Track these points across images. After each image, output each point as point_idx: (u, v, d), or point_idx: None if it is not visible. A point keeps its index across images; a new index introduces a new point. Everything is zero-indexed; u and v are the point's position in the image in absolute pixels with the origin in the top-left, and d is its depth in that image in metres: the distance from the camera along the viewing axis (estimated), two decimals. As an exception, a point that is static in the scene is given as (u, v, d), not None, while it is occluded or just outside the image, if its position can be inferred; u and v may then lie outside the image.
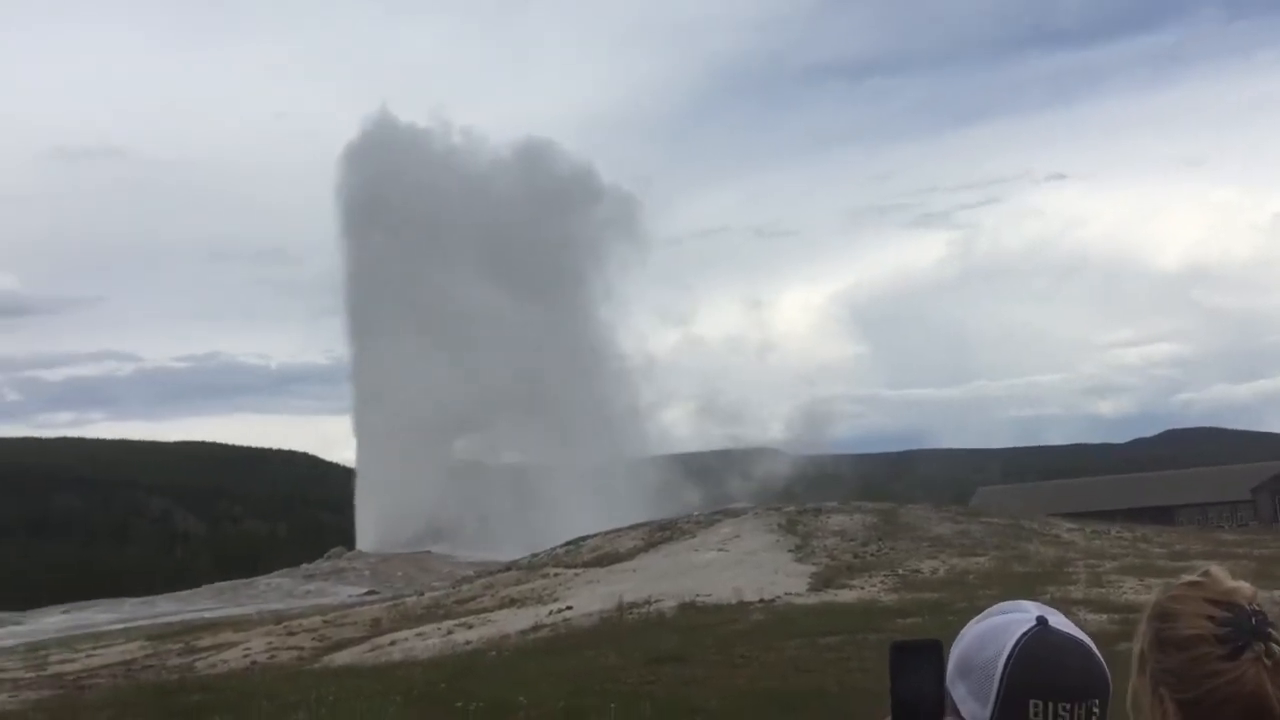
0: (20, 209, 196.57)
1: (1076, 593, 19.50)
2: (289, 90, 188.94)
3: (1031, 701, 1.52)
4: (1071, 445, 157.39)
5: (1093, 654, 1.56)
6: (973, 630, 1.62)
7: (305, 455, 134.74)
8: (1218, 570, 1.64)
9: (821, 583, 23.55)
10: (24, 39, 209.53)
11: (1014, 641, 1.55)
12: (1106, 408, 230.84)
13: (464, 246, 70.99)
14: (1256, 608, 1.57)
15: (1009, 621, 1.59)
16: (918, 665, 1.64)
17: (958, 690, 1.59)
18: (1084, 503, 58.22)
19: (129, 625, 34.85)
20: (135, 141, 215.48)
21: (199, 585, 51.11)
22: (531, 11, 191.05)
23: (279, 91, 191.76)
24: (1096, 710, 1.53)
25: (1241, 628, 1.54)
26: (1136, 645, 1.65)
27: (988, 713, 1.55)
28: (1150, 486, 68.60)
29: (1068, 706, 1.52)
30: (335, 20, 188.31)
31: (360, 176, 72.59)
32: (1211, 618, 1.56)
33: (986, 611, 1.64)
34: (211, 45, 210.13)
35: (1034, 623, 1.57)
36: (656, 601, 21.55)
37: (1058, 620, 1.59)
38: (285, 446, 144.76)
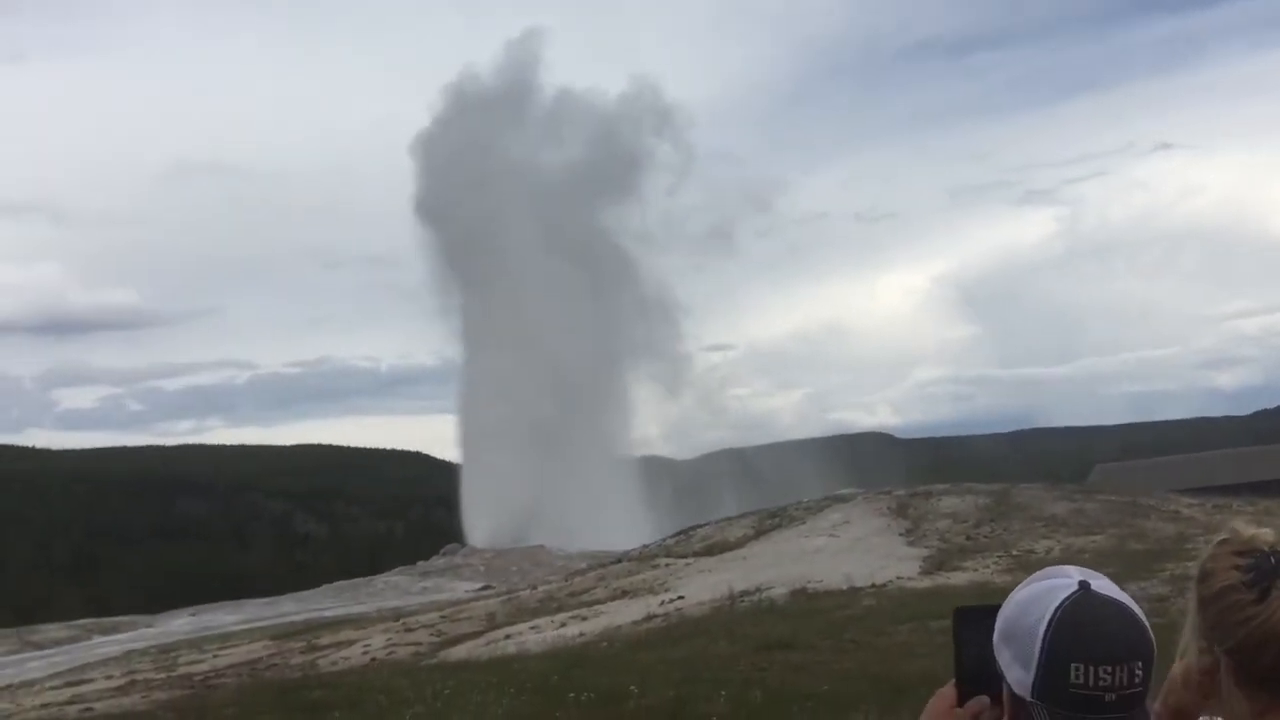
0: (138, 226, 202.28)
1: (1196, 569, 19.03)
2: (392, 96, 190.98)
3: (1073, 665, 1.54)
4: (1192, 419, 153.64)
5: (1135, 617, 1.57)
6: (1016, 596, 1.64)
7: (417, 454, 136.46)
8: (1240, 523, 1.73)
9: (933, 566, 23.33)
10: (137, 59, 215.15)
11: (1055, 606, 1.57)
12: (1226, 380, 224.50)
13: (559, 237, 70.70)
14: (1277, 549, 1.65)
15: (1051, 587, 1.61)
16: (982, 630, 1.67)
17: (1003, 655, 1.62)
18: (1206, 477, 56.64)
19: (253, 626, 35.71)
20: (246, 155, 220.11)
21: (319, 585, 52.16)
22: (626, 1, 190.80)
23: (383, 97, 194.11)
24: (1140, 672, 1.54)
25: (1264, 570, 1.62)
26: (1188, 612, 1.71)
27: (1031, 677, 1.57)
28: (1275, 458, 66.58)
29: (1109, 669, 1.52)
30: (434, 21, 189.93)
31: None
32: (1237, 567, 1.64)
33: (1030, 578, 1.67)
34: (315, 55, 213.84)
35: (1075, 587, 1.59)
36: (767, 589, 21.52)
37: (1101, 584, 1.60)
38: (398, 446, 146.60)
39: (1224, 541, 1.73)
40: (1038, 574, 1.66)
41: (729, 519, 36.75)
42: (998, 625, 1.64)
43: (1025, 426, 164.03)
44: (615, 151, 74.70)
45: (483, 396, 67.83)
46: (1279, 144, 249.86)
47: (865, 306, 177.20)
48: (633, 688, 12.10)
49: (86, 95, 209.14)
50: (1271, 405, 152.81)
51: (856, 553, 25.75)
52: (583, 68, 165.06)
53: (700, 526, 36.56)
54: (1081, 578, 1.60)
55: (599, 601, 24.88)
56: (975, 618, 1.69)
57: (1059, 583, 1.61)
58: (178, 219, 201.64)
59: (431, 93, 73.63)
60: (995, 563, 22.85)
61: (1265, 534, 1.70)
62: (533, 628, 21.80)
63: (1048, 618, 1.56)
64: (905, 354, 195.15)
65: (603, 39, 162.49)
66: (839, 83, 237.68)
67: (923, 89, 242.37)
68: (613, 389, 72.87)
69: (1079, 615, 1.56)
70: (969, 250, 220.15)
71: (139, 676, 22.63)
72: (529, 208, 70.19)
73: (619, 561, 33.09)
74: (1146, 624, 1.57)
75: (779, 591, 21.08)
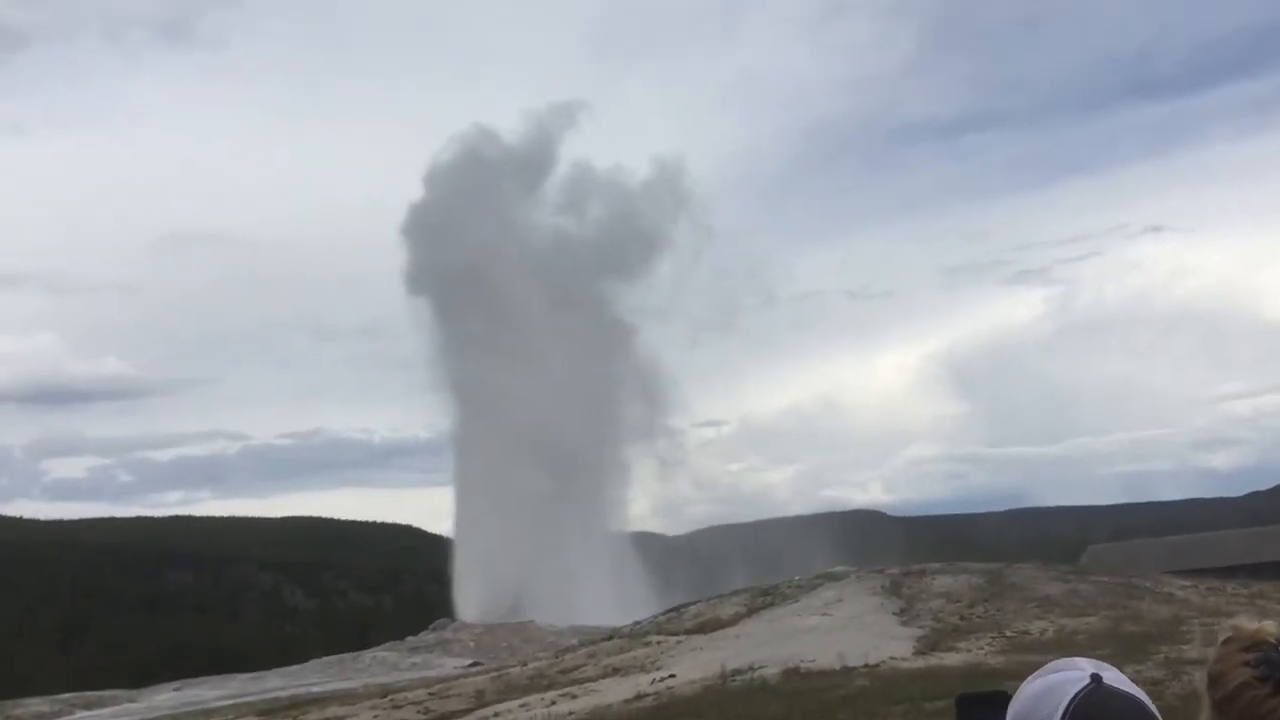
0: (132, 296, 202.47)
1: (1191, 652, 18.89)
2: (390, 166, 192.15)
3: None
4: (1185, 500, 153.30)
5: (1147, 710, 1.58)
6: (1029, 689, 1.64)
7: (408, 528, 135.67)
8: (1242, 620, 1.72)
9: (927, 646, 23.16)
10: (133, 130, 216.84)
11: (1068, 700, 1.58)
12: (1219, 461, 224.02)
13: (557, 311, 70.53)
14: None
15: (1063, 680, 1.61)
16: (985, 717, 1.67)
17: None
18: (1200, 559, 56.33)
19: (239, 701, 35.33)
20: (241, 225, 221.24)
21: (307, 659, 51.63)
22: (623, 78, 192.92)
23: (380, 169, 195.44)
24: None
25: (1274, 662, 1.63)
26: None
27: None
28: (1269, 540, 66.35)
29: None
30: (428, 97, 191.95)
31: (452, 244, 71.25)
32: (1247, 663, 1.63)
33: (1042, 669, 1.67)
34: (312, 125, 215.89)
35: (1088, 680, 1.59)
36: (759, 668, 21.35)
37: (1112, 676, 1.61)
38: (388, 520, 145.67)
39: (1228, 641, 1.73)
40: (1048, 666, 1.67)
41: (721, 596, 36.53)
42: (1009, 718, 1.64)
43: (1018, 506, 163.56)
44: (625, 230, 74.80)
45: (477, 470, 67.44)
46: (1269, 228, 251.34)
47: (859, 384, 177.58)
48: (623, 768, 11.97)
49: (83, 167, 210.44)
50: (1265, 487, 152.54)
51: (849, 632, 25.56)
52: (579, 143, 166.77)
53: (692, 604, 36.35)
54: (1093, 670, 1.61)
55: (589, 679, 24.65)
56: (978, 704, 1.69)
57: (1071, 675, 1.61)
58: (171, 290, 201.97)
59: (432, 165, 72.50)
60: (989, 643, 22.70)
61: (1269, 626, 1.70)
62: (522, 705, 21.58)
63: (1060, 711, 1.57)
64: (898, 432, 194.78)
65: (598, 118, 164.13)
66: (834, 163, 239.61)
67: (917, 170, 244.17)
68: (606, 464, 72.63)
69: (1092, 710, 1.56)
70: (962, 329, 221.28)
71: (122, 752, 22.35)
72: (528, 281, 70.27)
73: (610, 638, 32.82)
74: (1159, 717, 1.58)
75: (771, 670, 20.91)
